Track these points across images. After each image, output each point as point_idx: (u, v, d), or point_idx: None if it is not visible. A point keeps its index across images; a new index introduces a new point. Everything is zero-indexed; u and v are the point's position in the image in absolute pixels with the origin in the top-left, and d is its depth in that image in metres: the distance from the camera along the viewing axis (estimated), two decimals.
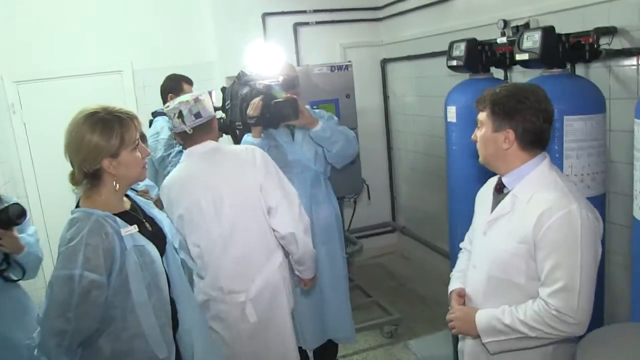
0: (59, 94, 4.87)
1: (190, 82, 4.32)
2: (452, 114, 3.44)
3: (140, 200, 2.20)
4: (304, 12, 5.49)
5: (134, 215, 2.06)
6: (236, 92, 3.39)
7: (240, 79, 3.42)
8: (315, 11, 5.52)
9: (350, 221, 4.69)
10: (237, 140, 3.42)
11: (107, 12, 5.13)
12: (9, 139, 4.95)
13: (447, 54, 3.54)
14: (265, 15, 5.40)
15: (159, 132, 4.01)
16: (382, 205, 6.04)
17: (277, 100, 3.04)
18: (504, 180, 2.03)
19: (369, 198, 4.38)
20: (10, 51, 4.88)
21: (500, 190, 2.06)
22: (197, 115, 2.58)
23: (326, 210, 3.43)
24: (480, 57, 3.40)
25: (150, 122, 4.37)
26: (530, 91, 1.93)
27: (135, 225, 1.99)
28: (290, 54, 5.43)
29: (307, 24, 5.52)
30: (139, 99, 5.26)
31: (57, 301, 1.80)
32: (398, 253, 6.14)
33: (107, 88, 5.14)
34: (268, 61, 3.40)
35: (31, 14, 4.94)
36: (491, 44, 3.41)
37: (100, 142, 1.86)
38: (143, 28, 5.23)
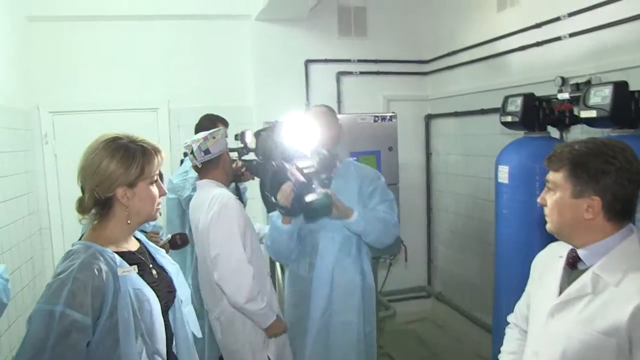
0: (92, 128, 4.61)
1: (225, 124, 4.19)
2: (503, 174, 3.15)
3: (151, 246, 1.98)
4: (348, 61, 5.35)
5: (138, 258, 1.84)
6: (269, 149, 3.07)
7: (273, 131, 3.09)
8: (360, 61, 5.37)
9: (384, 283, 4.37)
10: (265, 201, 3.09)
11: (147, 49, 5.09)
12: (38, 170, 4.86)
13: (501, 109, 3.29)
14: (308, 62, 5.28)
15: (187, 171, 3.85)
16: (417, 268, 5.70)
17: (310, 199, 2.63)
18: (580, 253, 1.68)
19: (406, 260, 4.06)
20: (48, 82, 4.87)
21: (573, 265, 1.71)
22: (206, 152, 2.89)
23: (349, 278, 3.01)
24: (537, 113, 3.13)
25: (182, 162, 4.22)
26: (617, 149, 1.61)
27: (135, 267, 1.77)
28: (332, 103, 5.22)
29: (350, 73, 5.37)
30: (172, 137, 5.13)
31: (32, 339, 1.56)
32: (432, 320, 5.73)
33: (141, 125, 5.03)
34: (305, 137, 3.03)
35: (72, 47, 4.94)
36: (550, 100, 3.15)
37: (118, 168, 1.72)
38: (182, 67, 5.17)
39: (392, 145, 3.66)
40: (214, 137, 2.92)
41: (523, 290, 2.01)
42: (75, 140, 4.64)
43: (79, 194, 1.80)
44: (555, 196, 1.68)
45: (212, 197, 2.84)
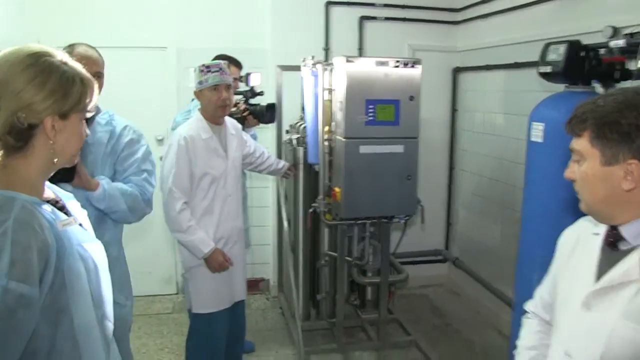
0: None
1: (238, 65, 3.90)
2: (538, 132, 2.79)
3: (57, 189, 1.56)
4: (373, 5, 4.93)
5: (62, 206, 1.48)
6: None
7: None
8: (386, 6, 4.96)
9: (397, 245, 4.07)
10: None
11: None
12: None
13: (540, 58, 2.89)
14: (329, 4, 4.88)
15: (190, 110, 3.58)
16: (435, 231, 5.39)
17: None
18: (623, 231, 1.34)
19: (423, 222, 3.74)
20: (50, 14, 4.55)
21: (614, 245, 1.37)
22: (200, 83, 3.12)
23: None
24: (582, 64, 2.73)
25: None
26: None
27: (75, 217, 1.43)
28: (353, 50, 4.89)
29: (374, 18, 4.96)
30: (180, 79, 4.83)
31: None
32: (447, 287, 5.45)
33: (147, 64, 4.82)
34: None
35: None
36: (597, 49, 2.74)
37: (54, 92, 1.32)
38: (194, 4, 4.82)
39: (413, 94, 3.28)
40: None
41: (548, 268, 1.67)
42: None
43: None
44: (583, 167, 1.35)
45: (174, 133, 3.19)
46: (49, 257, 1.26)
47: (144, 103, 4.74)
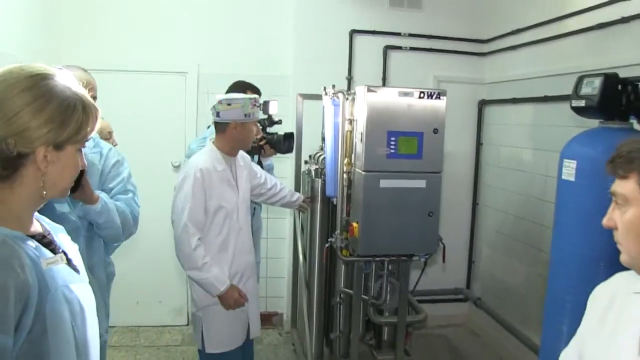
0: (116, 88, 4.39)
1: (257, 92, 3.76)
2: (570, 170, 2.62)
3: (47, 222, 1.42)
4: (398, 34, 4.83)
5: (49, 241, 1.33)
6: None
7: None
8: (411, 35, 4.85)
9: (416, 284, 3.89)
10: None
11: (179, 7, 4.73)
12: None
13: (573, 91, 2.73)
14: (353, 32, 4.79)
15: (206, 137, 3.46)
16: (456, 269, 5.17)
17: None
18: None
19: (444, 260, 3.56)
20: (73, 38, 4.54)
21: None
22: (217, 114, 2.94)
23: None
24: (618, 99, 2.57)
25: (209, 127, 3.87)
26: None
27: (62, 255, 1.29)
28: (377, 80, 4.79)
29: (399, 48, 4.85)
30: (200, 104, 4.76)
31: None
32: (467, 327, 5.21)
33: (168, 88, 4.77)
34: None
35: (100, 2, 4.61)
36: (636, 83, 2.58)
37: (50, 120, 1.20)
38: (216, 30, 4.79)
39: (438, 127, 3.14)
40: (229, 104, 2.90)
41: (579, 318, 1.49)
42: (97, 101, 4.39)
43: None
44: (628, 214, 1.20)
45: (187, 163, 2.98)
46: (28, 299, 1.12)
47: (162, 128, 4.70)
